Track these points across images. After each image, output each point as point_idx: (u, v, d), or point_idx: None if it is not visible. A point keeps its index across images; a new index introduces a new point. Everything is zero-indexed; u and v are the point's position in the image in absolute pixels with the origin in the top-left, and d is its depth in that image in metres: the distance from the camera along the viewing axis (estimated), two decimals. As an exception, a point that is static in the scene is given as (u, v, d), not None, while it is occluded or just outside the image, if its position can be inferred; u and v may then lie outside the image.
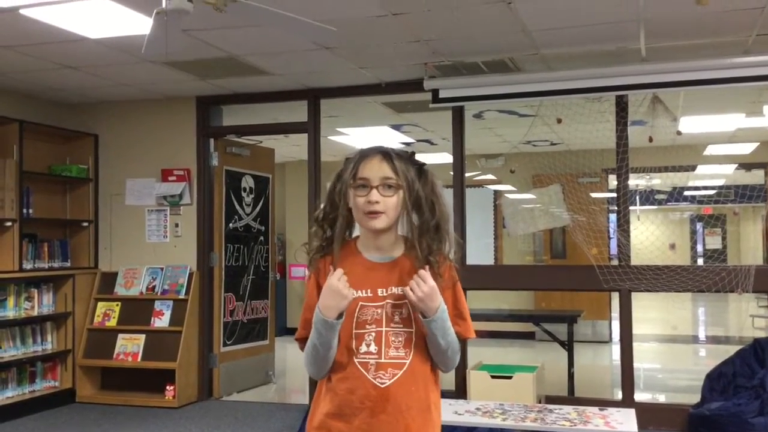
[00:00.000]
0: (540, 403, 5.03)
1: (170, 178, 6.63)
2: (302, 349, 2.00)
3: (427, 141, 8.78)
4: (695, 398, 5.48)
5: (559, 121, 5.62)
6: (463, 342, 2.10)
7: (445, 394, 5.45)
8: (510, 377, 5.11)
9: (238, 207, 7.00)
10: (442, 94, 5.64)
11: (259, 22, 3.95)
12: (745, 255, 16.81)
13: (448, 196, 6.24)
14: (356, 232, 2.06)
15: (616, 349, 7.99)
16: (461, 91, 5.62)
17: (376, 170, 1.95)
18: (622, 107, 5.49)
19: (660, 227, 12.89)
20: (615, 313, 7.30)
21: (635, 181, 5.98)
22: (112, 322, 6.51)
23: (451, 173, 5.96)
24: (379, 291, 1.96)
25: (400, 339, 1.94)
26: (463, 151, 5.96)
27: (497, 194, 10.21)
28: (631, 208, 5.54)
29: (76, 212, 6.77)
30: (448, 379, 5.69)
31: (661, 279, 5.36)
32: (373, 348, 1.92)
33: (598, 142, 5.81)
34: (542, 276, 6.39)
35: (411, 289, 1.88)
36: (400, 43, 4.94)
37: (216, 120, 6.81)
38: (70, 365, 6.43)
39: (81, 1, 4.04)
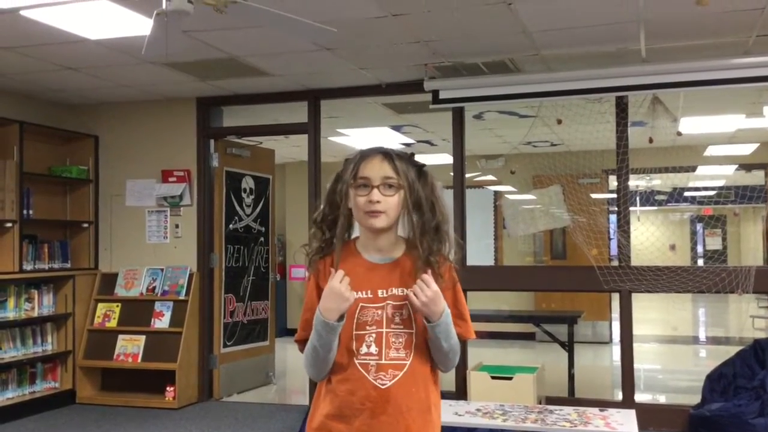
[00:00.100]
0: (540, 403, 5.03)
1: (170, 179, 6.63)
2: (302, 350, 2.00)
3: (428, 142, 8.78)
4: (695, 399, 5.48)
5: (560, 121, 5.62)
6: (464, 343, 2.10)
7: (445, 395, 5.44)
8: (510, 378, 5.11)
9: (238, 208, 7.00)
10: (443, 95, 5.64)
11: (260, 23, 3.96)
12: (745, 256, 16.80)
13: (448, 197, 6.23)
14: (355, 233, 2.06)
15: (616, 350, 7.98)
16: (461, 91, 5.62)
17: (377, 169, 1.95)
18: (622, 108, 5.49)
19: (660, 228, 12.87)
20: (615, 314, 7.29)
21: (635, 182, 5.98)
22: (113, 323, 6.51)
23: (452, 174, 5.96)
24: (380, 292, 1.96)
25: (401, 340, 1.94)
26: (464, 151, 5.96)
27: (497, 195, 10.21)
28: (631, 208, 5.54)
29: (77, 213, 6.77)
30: (449, 380, 5.69)
31: (661, 280, 5.36)
32: (373, 349, 1.92)
33: (599, 143, 5.81)
34: (542, 277, 6.39)
35: (415, 294, 1.88)
36: (400, 44, 4.94)
37: (216, 121, 6.81)
38: (70, 366, 6.43)
39: (81, 2, 4.04)
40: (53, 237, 6.56)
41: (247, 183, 7.15)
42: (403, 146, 8.92)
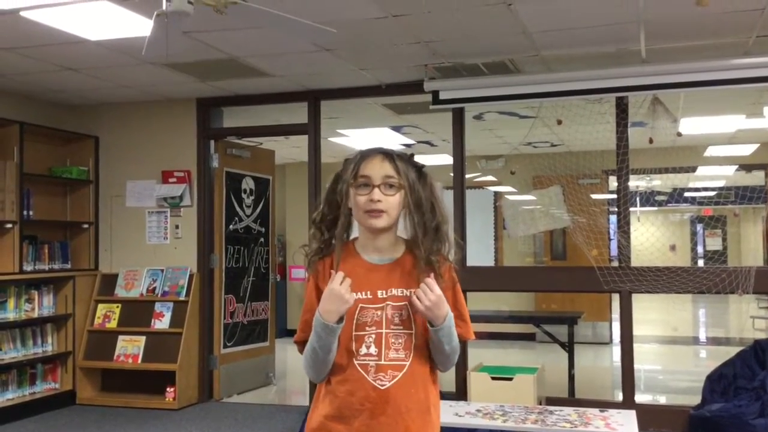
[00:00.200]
0: (540, 404, 5.03)
1: (171, 180, 6.63)
2: (302, 351, 2.00)
3: (428, 142, 8.78)
4: (696, 400, 5.48)
5: (560, 122, 5.62)
6: (464, 343, 2.10)
7: (445, 396, 5.45)
8: (510, 379, 5.11)
9: (238, 208, 7.00)
10: (443, 96, 5.64)
11: (260, 23, 3.96)
12: (745, 256, 16.79)
13: (448, 198, 6.23)
14: (354, 234, 2.06)
15: (616, 351, 7.98)
16: (461, 92, 5.62)
17: (378, 169, 1.95)
18: (622, 108, 5.49)
19: (660, 228, 12.90)
20: (615, 315, 7.29)
21: (635, 183, 5.98)
22: (113, 324, 6.51)
23: (452, 174, 5.96)
24: (379, 293, 1.96)
25: (400, 341, 1.94)
26: (464, 152, 5.96)
27: (497, 195, 10.21)
28: (631, 209, 5.54)
29: (77, 214, 6.77)
30: (449, 381, 5.69)
31: (661, 280, 5.35)
32: (373, 350, 1.92)
33: (599, 144, 5.81)
34: (542, 277, 6.39)
35: (418, 299, 1.88)
36: (401, 45, 4.94)
37: (216, 122, 6.81)
38: (70, 367, 6.43)
39: (81, 3, 4.04)
40: (53, 238, 6.56)
41: (248, 184, 7.15)
42: (404, 147, 8.93)
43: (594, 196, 6.47)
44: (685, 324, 13.53)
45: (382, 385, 1.90)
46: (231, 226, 6.89)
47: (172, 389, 6.22)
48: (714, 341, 11.48)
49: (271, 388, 7.27)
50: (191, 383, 6.39)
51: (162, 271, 6.59)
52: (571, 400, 5.74)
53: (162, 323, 6.40)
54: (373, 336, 1.93)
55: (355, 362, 1.92)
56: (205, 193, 6.65)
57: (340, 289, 1.87)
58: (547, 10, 4.27)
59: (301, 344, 2.00)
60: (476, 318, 7.35)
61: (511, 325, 8.72)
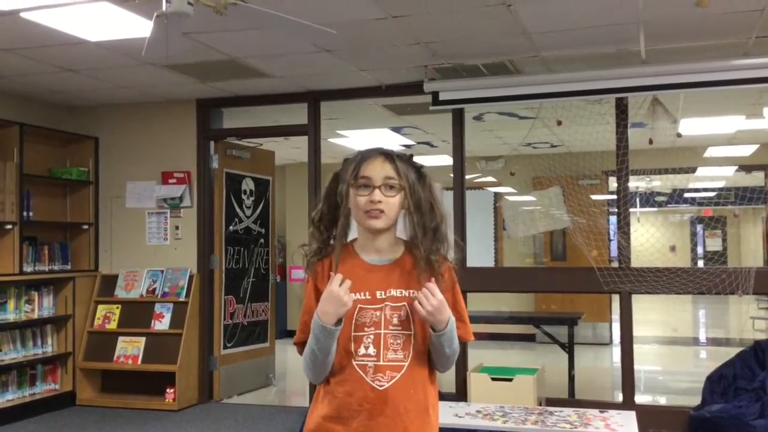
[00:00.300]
0: (540, 405, 5.03)
1: (170, 181, 6.63)
2: (301, 353, 1.99)
3: (427, 143, 8.78)
4: (696, 400, 5.48)
5: (559, 123, 5.62)
6: (464, 344, 2.10)
7: (445, 397, 5.45)
8: (510, 379, 5.11)
9: (238, 209, 7.00)
10: (442, 97, 5.64)
11: (259, 24, 3.96)
12: (745, 257, 16.79)
13: (448, 199, 6.22)
14: (353, 234, 2.06)
15: (616, 352, 7.98)
16: (461, 93, 5.62)
17: (378, 170, 1.95)
18: (622, 109, 5.49)
19: (660, 229, 12.90)
20: (615, 316, 7.29)
21: (635, 183, 5.98)
22: (113, 325, 6.51)
23: (452, 175, 5.96)
24: (378, 293, 1.96)
25: (399, 341, 1.94)
26: (464, 153, 5.96)
27: (497, 196, 10.22)
28: (631, 210, 5.54)
29: (77, 215, 6.77)
30: (449, 382, 5.69)
31: (661, 281, 5.35)
32: (371, 350, 1.92)
33: (598, 144, 5.81)
34: (542, 278, 6.39)
35: (420, 303, 1.88)
36: (400, 46, 4.94)
37: (216, 123, 6.81)
38: (70, 368, 6.43)
39: (81, 4, 4.04)
40: (53, 239, 6.56)
41: (247, 184, 7.15)
42: (403, 148, 8.93)
43: (594, 197, 6.47)
44: (685, 325, 13.53)
45: (381, 386, 1.90)
46: (231, 227, 6.89)
47: (172, 390, 6.21)
48: (714, 342, 11.48)
49: (271, 389, 7.27)
50: (191, 384, 6.39)
51: (162, 272, 6.59)
52: (571, 400, 5.74)
53: (162, 324, 6.40)
54: (372, 336, 1.93)
55: (354, 363, 1.92)
56: (205, 194, 6.65)
57: (338, 291, 1.87)
58: (547, 11, 4.28)
59: (301, 345, 2.00)
60: (476, 319, 7.33)
61: (511, 325, 8.72)
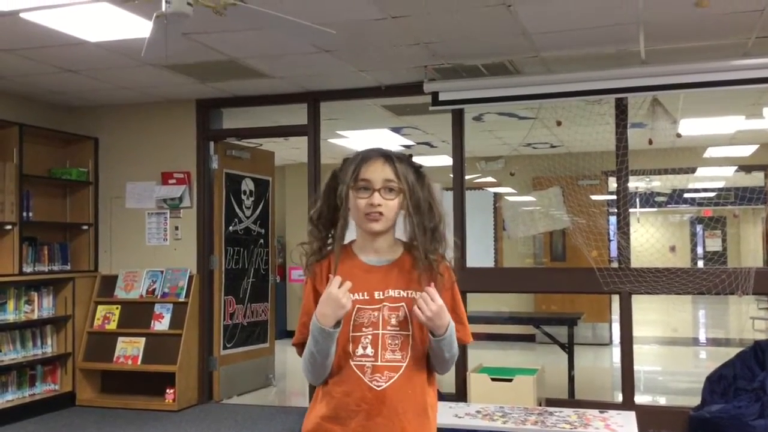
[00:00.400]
0: (540, 405, 5.03)
1: (170, 181, 6.63)
2: (300, 354, 1.99)
3: (427, 144, 8.78)
4: (695, 401, 5.48)
5: (559, 123, 5.62)
6: (463, 345, 2.09)
7: (445, 397, 5.45)
8: (510, 380, 5.11)
9: (238, 210, 7.00)
10: (442, 97, 5.64)
11: (259, 25, 3.96)
12: (745, 257, 16.80)
13: (448, 199, 6.20)
14: (351, 235, 2.06)
15: (616, 352, 7.98)
16: (461, 93, 5.62)
17: (378, 172, 1.95)
18: (621, 110, 5.49)
19: (660, 229, 12.90)
20: (615, 316, 7.29)
21: (635, 184, 5.97)
22: (112, 326, 6.51)
23: (451, 176, 5.96)
24: (376, 294, 1.96)
25: (397, 342, 1.93)
26: (463, 153, 5.96)
27: (497, 197, 10.22)
28: (631, 210, 5.53)
29: (76, 215, 6.77)
30: (449, 382, 5.68)
31: (661, 281, 5.35)
32: (369, 351, 1.92)
33: (598, 145, 5.81)
34: (542, 278, 6.38)
35: (419, 309, 1.88)
36: (400, 46, 4.94)
37: (216, 123, 6.81)
38: (70, 368, 6.43)
39: (81, 4, 4.05)
40: (53, 239, 6.56)
41: (247, 185, 7.15)
42: (403, 148, 8.92)
43: (593, 197, 6.47)
44: (684, 325, 13.53)
45: (379, 386, 1.90)
46: (231, 228, 6.89)
47: (171, 391, 6.21)
48: (714, 342, 11.48)
49: (271, 389, 7.26)
50: (191, 384, 6.39)
51: (162, 272, 6.59)
52: (570, 401, 5.74)
53: (162, 324, 6.40)
54: (370, 337, 1.93)
55: (352, 363, 1.92)
56: (204, 194, 6.65)
57: (337, 293, 1.86)
58: (547, 12, 4.28)
59: (300, 347, 2.00)
60: (476, 319, 7.34)
61: (511, 326, 8.71)
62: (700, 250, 18.26)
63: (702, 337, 12.28)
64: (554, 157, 6.19)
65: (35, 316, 6.18)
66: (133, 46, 4.68)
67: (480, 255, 9.80)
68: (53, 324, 6.40)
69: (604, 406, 5.03)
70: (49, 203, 6.56)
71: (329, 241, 2.03)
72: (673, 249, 16.77)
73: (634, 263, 5.60)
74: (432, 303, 1.87)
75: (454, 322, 1.96)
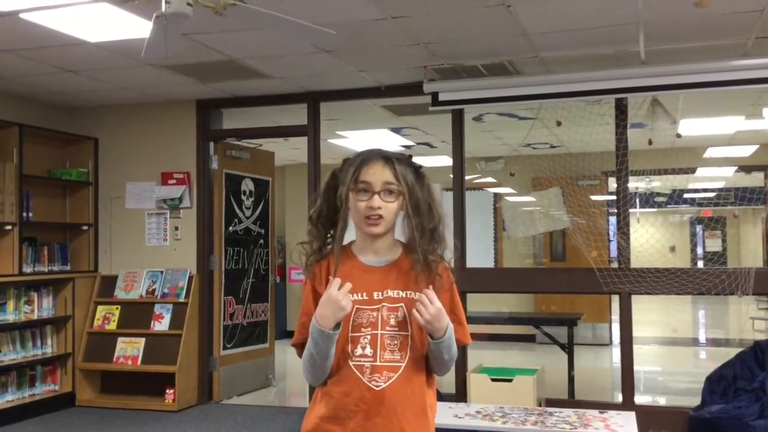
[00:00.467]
0: (540, 406, 5.03)
1: (170, 182, 6.63)
2: (299, 354, 2.00)
3: (427, 144, 8.78)
4: (695, 401, 5.48)
5: (559, 123, 5.62)
6: (462, 347, 2.10)
7: (445, 397, 5.44)
8: (510, 380, 5.10)
9: (237, 210, 7.00)
10: (442, 97, 5.64)
11: (259, 25, 3.96)
12: (745, 257, 16.80)
13: (447, 199, 6.19)
14: (351, 235, 2.06)
15: (616, 352, 7.98)
16: (461, 94, 5.62)
17: (378, 175, 1.95)
18: (621, 110, 5.49)
19: (660, 230, 12.89)
20: (615, 316, 7.29)
21: (635, 184, 5.98)
22: (112, 326, 6.51)
23: (451, 176, 5.96)
24: (375, 294, 1.96)
25: (396, 342, 1.93)
26: (463, 153, 5.96)
27: (497, 197, 10.22)
28: (630, 210, 5.53)
29: (76, 216, 6.77)
30: (449, 382, 5.68)
31: (661, 282, 5.35)
32: (368, 351, 1.92)
33: (598, 145, 5.81)
34: (542, 279, 6.38)
35: (418, 312, 1.88)
36: (400, 46, 4.94)
37: (216, 123, 6.81)
38: (69, 369, 6.43)
39: (81, 5, 4.05)
40: (53, 239, 6.56)
41: (247, 185, 7.15)
42: (403, 148, 8.92)
43: (593, 198, 6.47)
44: (684, 325, 13.53)
45: (377, 386, 1.90)
46: (230, 228, 6.89)
47: (171, 391, 6.21)
48: (714, 342, 11.48)
49: (271, 389, 7.26)
50: (191, 385, 6.39)
51: (161, 272, 6.59)
52: (570, 401, 5.74)
53: (161, 325, 6.40)
54: (369, 337, 1.93)
55: (351, 363, 1.92)
56: (204, 194, 6.65)
57: (337, 295, 1.86)
58: (547, 12, 4.28)
59: (299, 347, 2.00)
60: (476, 319, 7.32)
61: (511, 326, 8.72)
62: (700, 251, 18.28)
63: (702, 338, 12.29)
64: (554, 158, 6.19)
65: (35, 317, 6.18)
66: (133, 46, 4.68)
67: (480, 255, 9.80)
68: (53, 324, 6.40)
69: (603, 406, 5.03)
70: (49, 203, 6.56)
71: (328, 240, 2.03)
72: (672, 249, 16.78)
73: (634, 263, 5.60)
74: (431, 306, 1.87)
75: (452, 324, 1.95)
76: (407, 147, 8.89)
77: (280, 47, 4.98)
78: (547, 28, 4.58)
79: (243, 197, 7.09)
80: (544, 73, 5.51)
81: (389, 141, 8.48)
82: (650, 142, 5.43)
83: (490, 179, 8.91)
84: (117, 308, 6.58)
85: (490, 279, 6.33)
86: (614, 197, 5.63)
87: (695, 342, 11.76)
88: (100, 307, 6.62)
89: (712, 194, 10.21)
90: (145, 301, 6.52)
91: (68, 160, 6.80)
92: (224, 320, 6.73)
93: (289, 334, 9.96)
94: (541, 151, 7.97)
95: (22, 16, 4.24)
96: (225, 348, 6.73)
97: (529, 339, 9.46)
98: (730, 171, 9.76)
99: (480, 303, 6.91)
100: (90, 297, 6.63)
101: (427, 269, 1.96)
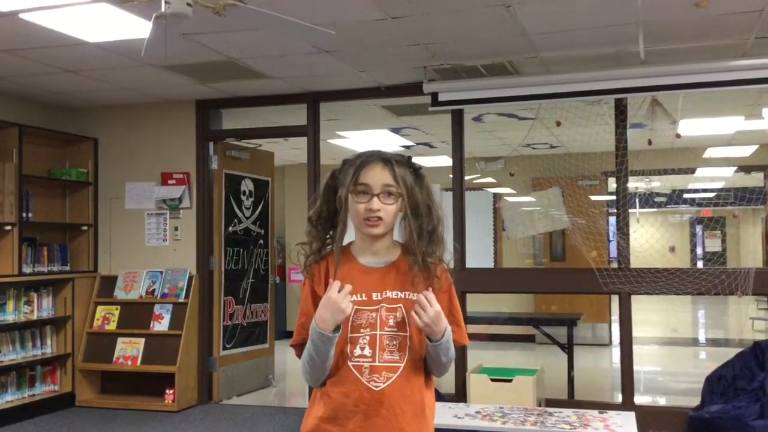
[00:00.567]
0: (540, 406, 5.03)
1: (170, 182, 6.63)
2: (298, 355, 2.00)
3: (427, 144, 8.78)
4: (695, 401, 5.48)
5: (559, 123, 5.62)
6: (461, 347, 2.10)
7: (444, 397, 5.44)
8: (510, 380, 5.11)
9: (237, 210, 7.00)
10: (442, 98, 5.64)
11: (259, 25, 3.95)
12: (744, 258, 16.81)
13: (447, 199, 6.18)
14: (350, 236, 2.06)
15: (615, 352, 7.98)
16: (461, 94, 5.62)
17: (378, 177, 1.95)
18: (621, 110, 5.50)
19: (659, 230, 12.90)
20: (615, 316, 7.29)
21: (635, 184, 5.98)
22: (112, 326, 6.51)
23: (451, 176, 5.96)
24: (374, 295, 1.96)
25: (395, 342, 1.94)
26: (463, 154, 5.96)
27: (497, 197, 10.21)
28: (630, 210, 5.54)
29: (76, 216, 6.77)
30: (448, 382, 5.69)
31: (660, 282, 5.36)
32: (367, 351, 1.92)
33: (598, 145, 5.81)
34: (542, 279, 6.39)
35: (417, 314, 1.88)
36: (400, 47, 4.94)
37: (215, 123, 6.81)
38: (69, 369, 6.43)
39: (81, 5, 4.05)
40: (52, 240, 6.55)
41: (247, 185, 7.15)
42: (403, 148, 8.92)
43: (593, 198, 6.47)
44: (684, 325, 13.54)
45: (377, 387, 1.90)
46: (230, 228, 6.89)
47: (171, 391, 6.21)
48: (713, 343, 11.48)
49: (271, 390, 7.26)
50: (190, 385, 6.39)
51: (161, 273, 6.59)
52: (570, 401, 5.74)
53: (161, 325, 6.40)
54: (368, 338, 1.93)
55: (350, 364, 1.92)
56: (204, 194, 6.65)
57: (337, 298, 1.86)
58: (546, 12, 4.28)
59: (298, 348, 2.00)
60: (476, 320, 7.32)
61: (511, 326, 8.72)
62: (699, 251, 18.28)
63: (701, 338, 12.29)
64: (554, 158, 6.19)
65: (35, 317, 6.18)
66: (132, 46, 4.68)
67: (479, 255, 9.80)
68: (53, 324, 6.40)
69: (603, 406, 5.03)
70: (49, 204, 6.56)
71: (327, 241, 2.03)
72: (672, 249, 16.78)
73: (634, 263, 5.60)
74: (430, 308, 1.87)
75: (450, 325, 1.96)
76: (407, 147, 8.89)
77: (280, 47, 4.98)
78: (547, 28, 4.58)
79: (243, 197, 7.09)
80: (544, 73, 5.51)
81: (389, 141, 8.48)
82: (650, 143, 5.44)
83: (489, 179, 8.91)
84: (117, 308, 6.58)
85: (490, 279, 6.33)
86: (614, 197, 5.64)
87: (695, 342, 11.76)
88: (99, 308, 6.62)
89: (711, 194, 10.20)
90: (145, 302, 6.52)
91: (68, 160, 6.80)
92: (224, 320, 6.73)
93: (289, 335, 9.95)
94: (540, 151, 7.96)
95: (22, 16, 4.24)
96: (225, 348, 6.73)
97: (529, 339, 9.46)
98: (729, 171, 9.75)
99: (480, 303, 6.91)
100: (90, 297, 6.63)
101: (426, 271, 1.96)
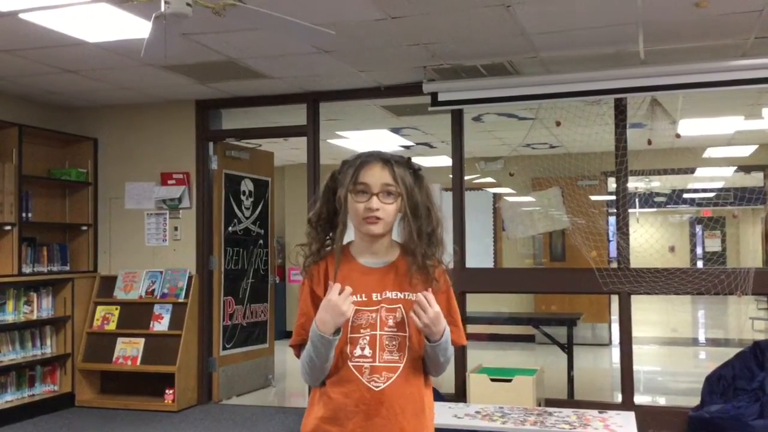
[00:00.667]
0: (540, 406, 5.03)
1: (170, 182, 6.63)
2: (297, 355, 2.00)
3: (427, 144, 8.78)
4: (695, 401, 5.48)
5: (558, 123, 5.62)
6: (461, 347, 2.10)
7: (444, 397, 5.44)
8: (510, 380, 5.11)
9: (237, 210, 7.00)
10: (442, 97, 5.64)
11: (258, 25, 3.96)
12: (744, 257, 16.81)
13: (447, 199, 6.18)
14: (349, 236, 2.06)
15: (615, 352, 7.98)
16: (460, 94, 5.62)
17: (377, 177, 1.95)
18: (620, 110, 5.50)
19: (659, 230, 12.91)
20: (614, 316, 7.29)
21: (634, 184, 5.98)
22: (112, 326, 6.51)
23: (451, 176, 5.96)
24: (374, 295, 1.96)
25: (395, 343, 1.94)
26: (463, 154, 5.96)
27: (496, 197, 10.22)
28: (630, 210, 5.54)
29: (76, 216, 6.77)
30: (448, 382, 5.68)
31: (660, 282, 5.36)
32: (367, 351, 1.93)
33: (597, 145, 5.81)
34: (542, 279, 6.39)
35: (416, 315, 1.88)
36: (400, 47, 4.94)
37: (215, 123, 6.81)
38: (69, 369, 6.43)
39: (80, 5, 4.05)
40: (52, 240, 6.55)
41: (246, 185, 7.15)
42: (402, 148, 8.92)
43: (593, 198, 6.47)
44: (684, 325, 13.54)
45: (377, 387, 1.90)
46: (230, 228, 6.89)
47: (171, 391, 6.21)
48: (713, 342, 11.48)
49: (271, 390, 7.26)
50: (190, 385, 6.39)
51: (161, 273, 6.59)
52: (570, 401, 5.74)
53: (161, 325, 6.40)
54: (368, 338, 1.93)
55: (350, 364, 1.92)
56: (204, 195, 6.65)
57: (337, 300, 1.86)
58: (546, 12, 4.28)
59: (297, 348, 2.00)
60: (476, 320, 7.32)
61: (511, 326, 8.72)
62: (699, 251, 18.28)
63: (701, 338, 12.29)
64: (553, 158, 6.19)
65: (34, 317, 6.18)
66: (132, 46, 4.68)
67: (479, 255, 9.80)
68: (52, 324, 6.40)
69: (603, 406, 5.03)
70: (49, 204, 6.56)
71: (327, 242, 2.03)
72: (672, 249, 16.79)
73: (634, 263, 5.61)
74: (429, 309, 1.87)
75: (449, 325, 1.96)
76: (407, 147, 8.89)
77: (280, 47, 4.98)
78: (547, 28, 4.58)
79: (242, 197, 7.09)
80: (544, 73, 5.51)
81: (389, 141, 8.48)
82: (650, 142, 5.44)
83: (489, 179, 8.91)
84: (116, 308, 6.58)
85: (490, 279, 6.33)
86: (614, 197, 5.64)
87: (695, 342, 11.76)
88: (99, 308, 6.62)
89: (711, 194, 10.21)
90: (145, 302, 6.52)
91: (68, 160, 6.80)
92: (224, 320, 6.73)
93: (289, 335, 9.93)
94: (540, 151, 7.96)
95: (22, 16, 4.24)
96: (224, 348, 6.73)
97: (529, 339, 9.46)
98: (729, 171, 9.76)
99: (480, 303, 6.91)
100: (89, 297, 6.63)
101: (425, 272, 1.96)
